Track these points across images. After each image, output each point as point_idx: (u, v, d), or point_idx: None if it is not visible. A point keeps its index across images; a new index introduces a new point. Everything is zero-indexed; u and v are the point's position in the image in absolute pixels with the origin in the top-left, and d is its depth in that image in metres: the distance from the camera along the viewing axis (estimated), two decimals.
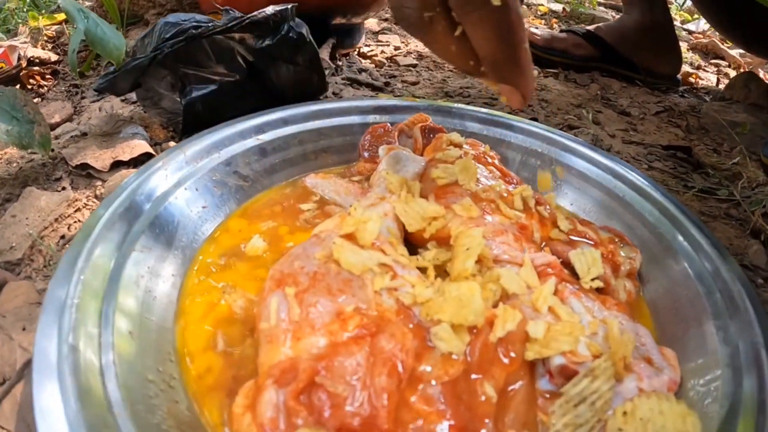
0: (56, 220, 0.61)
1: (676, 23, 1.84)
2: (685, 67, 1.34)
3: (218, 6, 0.99)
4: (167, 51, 0.68)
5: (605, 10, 1.80)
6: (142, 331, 0.37)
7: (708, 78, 1.32)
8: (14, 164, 0.73)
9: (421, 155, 0.57)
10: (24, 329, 0.46)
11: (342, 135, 0.63)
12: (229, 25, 0.68)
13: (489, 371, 0.34)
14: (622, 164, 0.58)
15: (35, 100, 0.96)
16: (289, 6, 0.71)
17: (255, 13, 0.69)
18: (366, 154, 0.60)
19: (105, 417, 0.29)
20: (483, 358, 0.34)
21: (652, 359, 0.38)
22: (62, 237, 0.59)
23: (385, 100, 0.66)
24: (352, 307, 0.34)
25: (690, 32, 1.75)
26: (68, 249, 0.39)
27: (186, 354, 0.38)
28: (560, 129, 0.87)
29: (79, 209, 0.64)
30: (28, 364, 0.42)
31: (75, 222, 0.62)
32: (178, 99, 0.72)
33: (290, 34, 0.72)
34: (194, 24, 0.69)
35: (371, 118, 0.64)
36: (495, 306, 0.37)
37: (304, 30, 0.74)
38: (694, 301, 0.44)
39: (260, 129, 0.60)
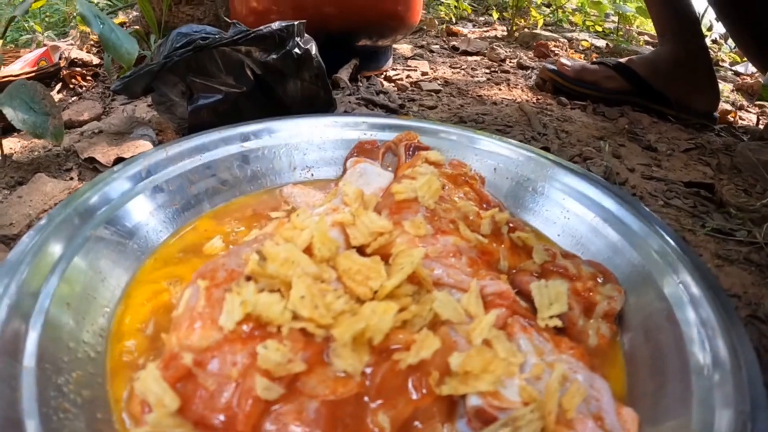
0: (56, 204, 0.63)
1: (725, 65, 1.71)
2: (726, 106, 1.23)
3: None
4: (176, 59, 0.67)
5: (652, 48, 1.69)
6: (80, 305, 0.37)
7: (749, 118, 1.20)
8: (35, 153, 0.76)
9: None
10: None
11: (330, 149, 0.59)
12: (235, 38, 0.67)
13: (391, 400, 0.28)
14: (616, 195, 0.51)
15: (73, 98, 0.98)
16: (296, 22, 0.68)
17: (261, 27, 0.67)
18: None
19: (12, 366, 0.30)
20: (385, 384, 0.29)
21: (604, 420, 0.32)
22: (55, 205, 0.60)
23: (378, 118, 0.62)
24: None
25: (738, 74, 1.62)
26: (36, 223, 0.41)
27: (117, 332, 0.38)
28: (573, 160, 0.80)
29: None
30: None
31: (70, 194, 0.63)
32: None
33: (295, 50, 0.69)
34: (203, 35, 0.68)
35: (363, 134, 0.60)
36: (423, 330, 0.32)
37: (311, 46, 0.71)
38: (676, 355, 0.37)
39: (247, 137, 0.57)
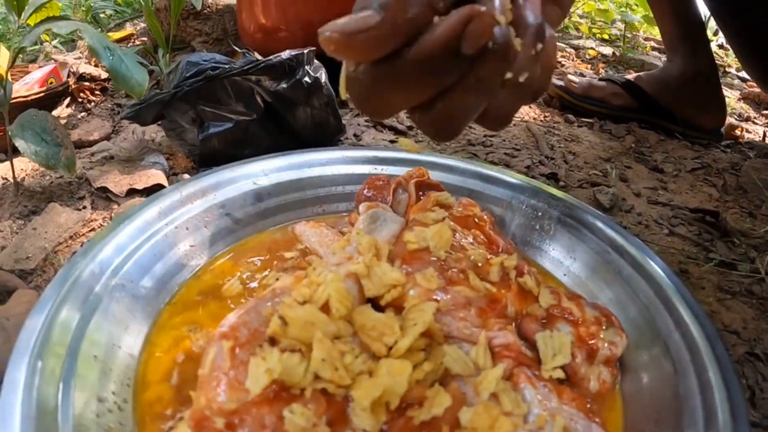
0: (71, 237, 0.65)
1: (731, 70, 1.73)
2: (732, 119, 1.26)
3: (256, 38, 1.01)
4: (186, 89, 0.70)
5: (658, 55, 1.72)
6: (107, 357, 0.39)
7: (755, 131, 1.23)
8: (47, 177, 0.78)
9: None
10: None
11: (341, 184, 0.62)
12: (245, 68, 0.70)
13: None
14: (624, 234, 0.54)
15: (81, 114, 1.01)
16: (305, 51, 0.71)
17: (271, 57, 0.70)
18: (360, 207, 0.59)
19: (51, 427, 0.32)
20: None
21: None
22: (74, 253, 0.62)
23: (388, 152, 0.65)
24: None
25: (744, 80, 1.64)
26: (59, 272, 0.42)
27: (143, 382, 0.40)
28: (581, 185, 0.83)
29: (93, 229, 0.67)
30: None
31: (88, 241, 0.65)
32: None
33: (305, 79, 0.72)
34: (213, 65, 0.71)
35: (373, 168, 0.63)
36: (434, 384, 0.35)
37: (321, 74, 0.74)
38: (671, 404, 0.40)
39: (259, 173, 0.60)
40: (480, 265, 0.45)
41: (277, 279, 0.49)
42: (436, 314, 0.39)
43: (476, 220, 0.52)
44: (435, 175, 0.60)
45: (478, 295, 0.43)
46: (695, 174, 0.95)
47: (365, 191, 0.60)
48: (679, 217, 0.78)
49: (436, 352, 0.37)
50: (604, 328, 0.46)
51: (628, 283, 0.50)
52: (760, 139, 1.18)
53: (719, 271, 0.66)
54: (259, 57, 0.74)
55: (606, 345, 0.44)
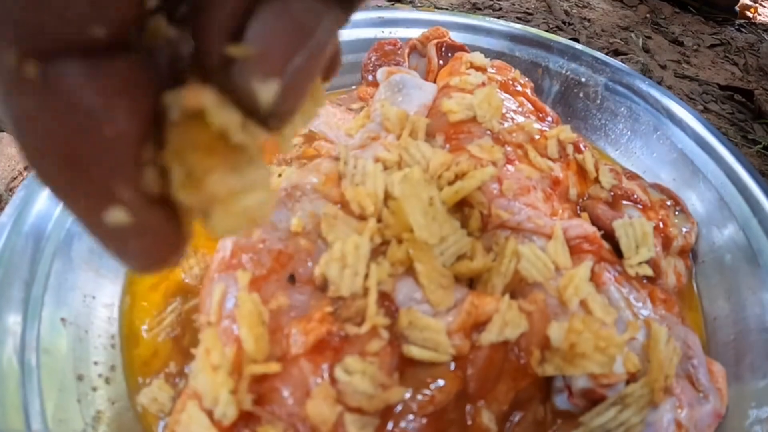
0: (26, 168, 0.51)
1: None
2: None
3: None
4: None
5: None
6: (78, 316, 0.29)
7: (765, 13, 1.13)
8: None
9: (435, 80, 0.44)
10: None
11: (345, 52, 0.50)
12: None
13: (492, 393, 0.23)
14: (682, 105, 0.45)
15: None
16: None
17: None
18: (370, 77, 0.47)
19: None
20: (485, 376, 0.23)
21: (699, 379, 0.28)
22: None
23: (396, 11, 0.52)
24: (320, 310, 0.23)
25: None
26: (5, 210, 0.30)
27: (131, 336, 0.30)
28: (607, 54, 0.72)
29: None
30: None
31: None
32: None
33: None
34: None
35: (380, 32, 0.51)
36: (511, 294, 0.27)
37: None
38: (756, 299, 0.33)
39: None
40: (536, 138, 0.36)
41: (280, 175, 0.37)
42: (502, 200, 0.30)
43: (517, 84, 0.41)
44: (455, 37, 0.48)
45: (542, 175, 0.33)
46: (715, 50, 0.85)
47: (373, 58, 0.48)
48: (710, 93, 0.70)
49: (507, 248, 0.28)
50: (675, 213, 0.38)
51: (692, 160, 0.42)
52: None
53: (760, 154, 0.59)
54: None
55: (679, 233, 0.36)
